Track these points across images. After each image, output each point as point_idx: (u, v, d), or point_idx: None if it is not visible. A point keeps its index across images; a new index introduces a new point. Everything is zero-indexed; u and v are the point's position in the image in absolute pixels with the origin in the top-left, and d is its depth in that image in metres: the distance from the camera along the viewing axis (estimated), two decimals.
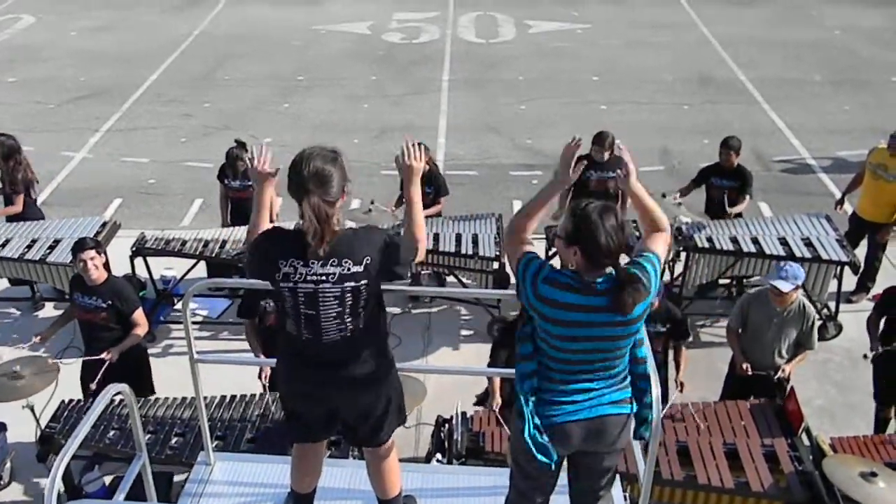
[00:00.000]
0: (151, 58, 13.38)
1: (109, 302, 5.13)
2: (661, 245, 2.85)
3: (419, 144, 3.07)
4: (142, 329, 5.22)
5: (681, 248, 6.74)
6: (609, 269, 2.67)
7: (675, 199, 7.04)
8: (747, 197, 7.00)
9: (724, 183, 7.03)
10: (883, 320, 5.42)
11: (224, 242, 6.93)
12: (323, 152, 2.78)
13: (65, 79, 12.66)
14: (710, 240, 6.72)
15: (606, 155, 6.92)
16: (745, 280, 7.30)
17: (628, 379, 2.85)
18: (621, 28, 14.52)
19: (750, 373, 5.21)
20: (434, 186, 7.02)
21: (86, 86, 12.42)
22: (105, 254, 5.45)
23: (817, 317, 5.40)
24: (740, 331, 5.41)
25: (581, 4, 15.88)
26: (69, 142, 10.65)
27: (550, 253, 6.89)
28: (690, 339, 5.48)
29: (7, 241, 6.85)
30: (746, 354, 5.32)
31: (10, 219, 7.14)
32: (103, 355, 5.01)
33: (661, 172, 9.61)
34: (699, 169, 7.35)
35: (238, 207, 7.31)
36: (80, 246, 5.15)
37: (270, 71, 12.89)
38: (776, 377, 5.19)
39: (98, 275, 5.13)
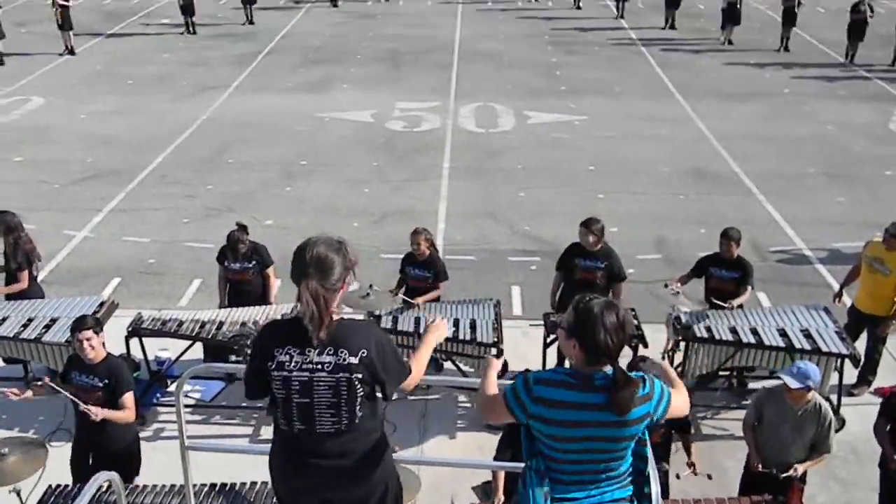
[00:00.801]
0: (158, 141, 13.62)
1: (106, 381, 5.10)
2: (676, 393, 2.87)
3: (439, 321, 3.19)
4: (129, 413, 5.14)
5: (679, 338, 6.71)
6: (608, 368, 2.65)
7: (674, 288, 7.04)
8: (749, 288, 6.98)
9: (723, 274, 7.04)
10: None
11: (221, 324, 6.89)
12: (328, 241, 2.80)
13: (71, 160, 12.84)
14: (709, 329, 6.69)
15: (593, 240, 6.85)
16: (745, 372, 7.24)
17: (631, 478, 2.80)
18: (617, 121, 14.87)
19: (760, 469, 5.06)
20: (434, 271, 7.02)
21: (92, 167, 12.60)
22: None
23: (834, 420, 5.23)
24: (756, 425, 5.28)
25: (578, 97, 16.30)
26: (72, 221, 10.73)
27: (549, 340, 6.86)
28: (693, 431, 5.38)
29: (4, 319, 6.81)
30: (761, 451, 5.17)
31: (11, 296, 7.12)
32: (89, 407, 4.94)
33: (657, 260, 9.68)
34: (698, 259, 7.39)
35: (236, 289, 7.32)
36: (78, 325, 5.16)
37: (274, 155, 13.12)
38: (782, 476, 4.98)
39: (95, 354, 5.11)
